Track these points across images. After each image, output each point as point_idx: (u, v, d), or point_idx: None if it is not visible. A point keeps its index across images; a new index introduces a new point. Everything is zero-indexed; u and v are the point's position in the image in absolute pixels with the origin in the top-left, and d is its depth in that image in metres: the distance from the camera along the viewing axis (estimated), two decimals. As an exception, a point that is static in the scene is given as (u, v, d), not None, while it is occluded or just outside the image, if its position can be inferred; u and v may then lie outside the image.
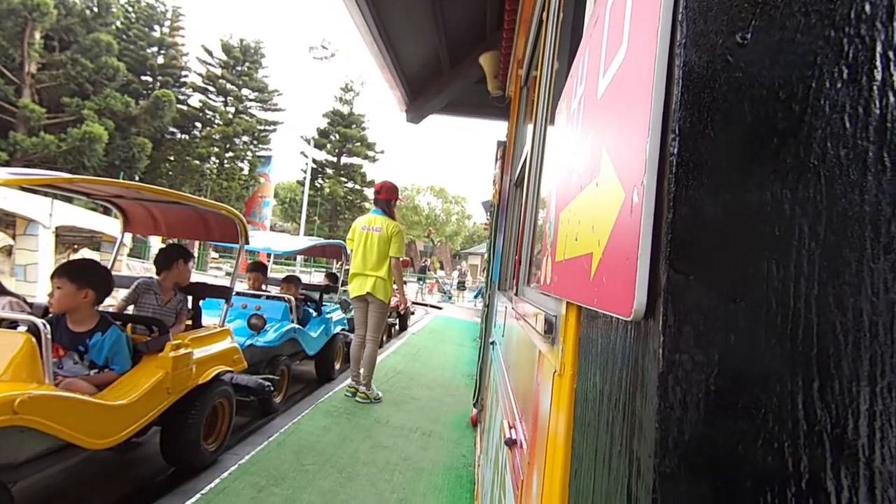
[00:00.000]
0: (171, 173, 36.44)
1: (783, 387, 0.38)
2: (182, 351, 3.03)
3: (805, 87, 0.40)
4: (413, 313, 13.03)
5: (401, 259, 4.78)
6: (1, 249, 15.62)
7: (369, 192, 45.39)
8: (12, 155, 26.93)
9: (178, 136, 37.36)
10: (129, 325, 3.23)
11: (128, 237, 16.52)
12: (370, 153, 45.42)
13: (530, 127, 2.06)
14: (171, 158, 36.64)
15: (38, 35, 27.89)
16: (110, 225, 15.57)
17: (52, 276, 2.68)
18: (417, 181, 60.94)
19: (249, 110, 39.98)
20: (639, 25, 0.52)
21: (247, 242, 3.80)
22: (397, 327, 10.13)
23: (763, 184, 0.40)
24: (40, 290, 12.13)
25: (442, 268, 30.87)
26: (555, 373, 0.81)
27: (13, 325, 2.47)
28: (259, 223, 34.34)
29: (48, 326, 2.28)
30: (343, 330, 6.22)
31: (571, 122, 0.86)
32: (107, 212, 17.33)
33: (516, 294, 1.68)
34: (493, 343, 2.69)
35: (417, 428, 4.22)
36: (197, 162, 36.59)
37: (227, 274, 24.09)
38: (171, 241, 5.01)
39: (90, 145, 27.99)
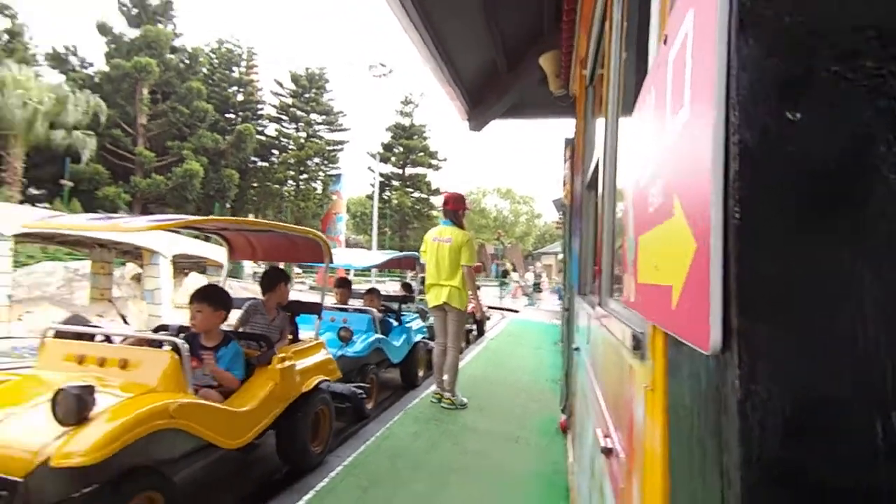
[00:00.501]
0: (255, 199, 38.82)
1: (858, 414, 0.43)
2: (287, 363, 3.29)
3: (858, 152, 0.45)
4: (489, 318, 13.03)
5: (473, 266, 4.87)
6: (133, 277, 17.44)
7: (435, 200, 45.92)
8: (133, 195, 29.97)
9: (259, 164, 39.75)
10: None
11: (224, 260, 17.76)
12: (433, 162, 46.00)
13: (600, 128, 1.98)
14: (255, 185, 39.00)
15: (145, 91, 30.98)
16: (212, 251, 16.90)
17: (192, 301, 3.05)
18: (483, 184, 60.09)
19: (318, 133, 41.86)
20: (698, 94, 0.57)
21: (331, 261, 4.06)
22: (475, 333, 10.15)
23: (824, 241, 0.45)
24: (164, 310, 13.49)
25: (514, 270, 30.33)
26: (646, 388, 0.85)
27: (158, 344, 2.83)
28: (335, 238, 35.77)
29: (187, 345, 2.61)
30: (423, 338, 6.41)
31: (645, 144, 0.85)
32: (207, 238, 18.78)
33: (600, 304, 1.70)
34: (577, 349, 2.70)
35: (505, 434, 4.23)
36: (276, 186, 38.79)
37: (311, 288, 25.27)
38: (270, 265, 5.41)
39: (190, 181, 30.58)
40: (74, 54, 33.11)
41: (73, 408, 2.05)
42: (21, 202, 20.38)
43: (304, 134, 40.75)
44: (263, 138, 39.12)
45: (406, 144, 44.83)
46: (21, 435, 2.07)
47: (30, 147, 24.91)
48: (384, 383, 5.77)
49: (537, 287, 23.52)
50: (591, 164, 2.48)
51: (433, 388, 5.20)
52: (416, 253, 6.31)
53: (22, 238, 12.65)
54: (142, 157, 30.61)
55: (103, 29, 31.34)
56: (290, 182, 39.88)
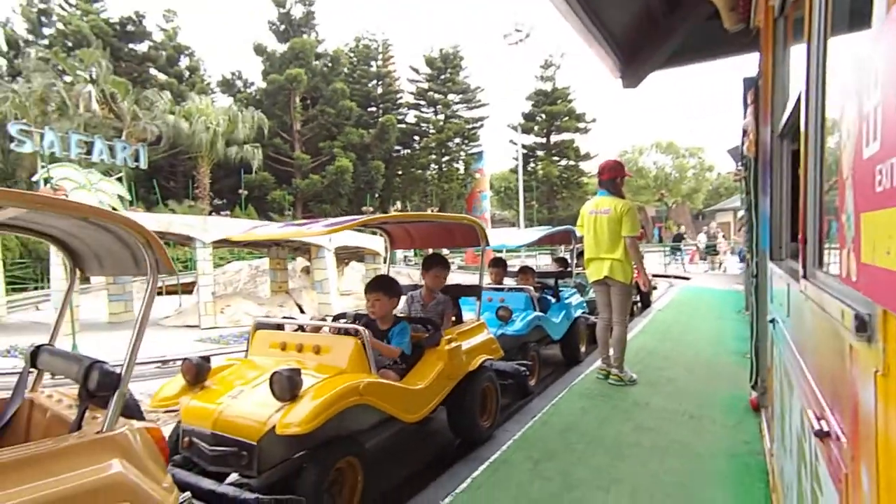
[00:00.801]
0: (401, 186, 41.28)
1: None
2: (454, 344, 3.55)
3: None
4: (655, 288, 12.31)
5: (635, 236, 4.66)
6: (302, 270, 20.01)
7: (585, 166, 44.13)
8: (295, 196, 34.11)
9: (402, 152, 42.01)
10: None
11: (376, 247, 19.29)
12: (580, 125, 44.10)
13: (800, 66, 1.68)
14: (400, 173, 41.37)
15: (297, 99, 34.84)
16: (368, 241, 18.51)
17: (369, 291, 3.47)
18: (638, 142, 55.29)
19: (457, 113, 42.61)
20: None
21: (487, 244, 4.20)
22: (640, 304, 9.73)
23: None
24: (332, 298, 15.28)
25: (684, 233, 27.78)
26: (877, 372, 0.79)
27: (339, 331, 3.27)
28: (481, 216, 36.55)
29: (368, 330, 2.98)
30: (584, 313, 6.32)
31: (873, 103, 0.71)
32: (359, 229, 20.58)
33: (805, 276, 1.53)
34: (772, 321, 2.46)
35: (683, 411, 4.05)
36: (420, 171, 40.68)
37: (459, 268, 26.34)
38: (430, 252, 5.77)
39: (342, 176, 33.69)
40: (239, 78, 38.43)
41: (287, 387, 2.48)
42: (209, 212, 24.33)
43: (442, 116, 41.96)
44: (404, 126, 41.20)
45: (549, 111, 43.62)
46: (252, 408, 2.56)
47: (212, 164, 29.59)
48: (545, 360, 5.83)
49: (712, 249, 21.11)
50: (786, 108, 2.18)
51: (598, 363, 5.13)
52: (570, 227, 6.23)
53: (217, 244, 15.28)
54: (299, 161, 34.56)
55: (259, 49, 35.76)
56: (433, 166, 41.53)
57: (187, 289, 18.02)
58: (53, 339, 2.43)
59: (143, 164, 19.52)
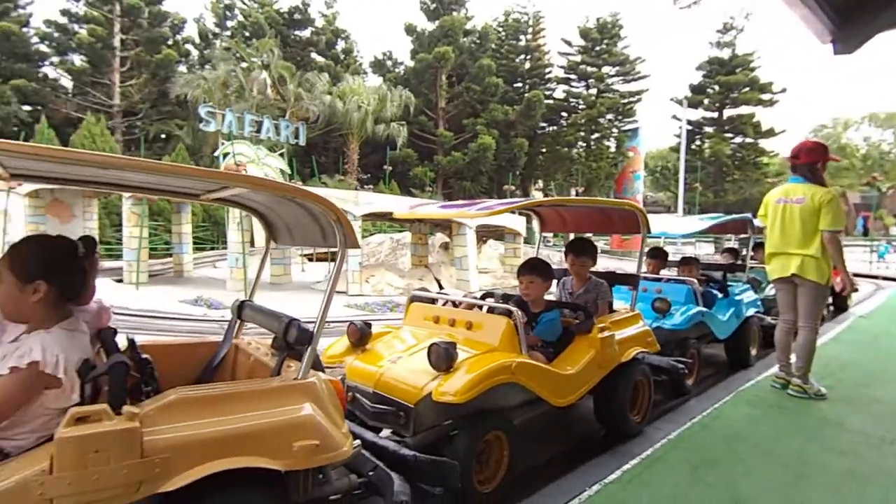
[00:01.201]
0: (544, 164, 40.73)
1: None
2: (606, 333, 3.52)
3: None
4: (856, 290, 10.79)
5: (837, 231, 4.14)
6: (441, 246, 20.96)
7: (767, 145, 39.50)
8: (436, 172, 35.57)
9: (548, 129, 41.32)
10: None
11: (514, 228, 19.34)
12: (764, 97, 39.38)
13: None
14: (544, 151, 40.79)
15: (444, 77, 36.08)
16: (510, 220, 18.72)
17: (522, 273, 3.60)
18: (842, 114, 47.36)
19: (612, 87, 40.64)
20: None
21: (648, 232, 4.05)
22: (832, 308, 8.65)
23: None
24: (471, 275, 15.84)
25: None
26: None
27: (492, 310, 3.44)
28: (632, 198, 34.70)
29: (520, 312, 3.12)
30: (757, 312, 5.81)
31: None
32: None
33: None
34: None
35: (893, 439, 3.57)
36: (566, 150, 39.66)
37: (603, 252, 25.49)
38: (577, 236, 5.74)
39: (483, 154, 34.26)
40: (389, 58, 40.77)
41: (444, 358, 2.71)
42: (356, 187, 26.36)
43: (594, 91, 40.36)
44: (551, 102, 40.47)
45: (724, 81, 39.58)
46: (410, 374, 2.84)
47: (361, 141, 31.91)
48: (707, 359, 5.48)
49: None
50: None
51: (773, 370, 4.72)
52: (747, 215, 5.74)
53: (366, 217, 16.60)
54: (442, 138, 35.80)
55: (409, 29, 37.53)
56: (580, 144, 40.23)
57: (335, 257, 19.91)
58: (252, 295, 2.92)
59: (302, 141, 21.82)
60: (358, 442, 2.27)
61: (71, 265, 1.89)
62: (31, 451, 1.66)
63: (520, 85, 41.16)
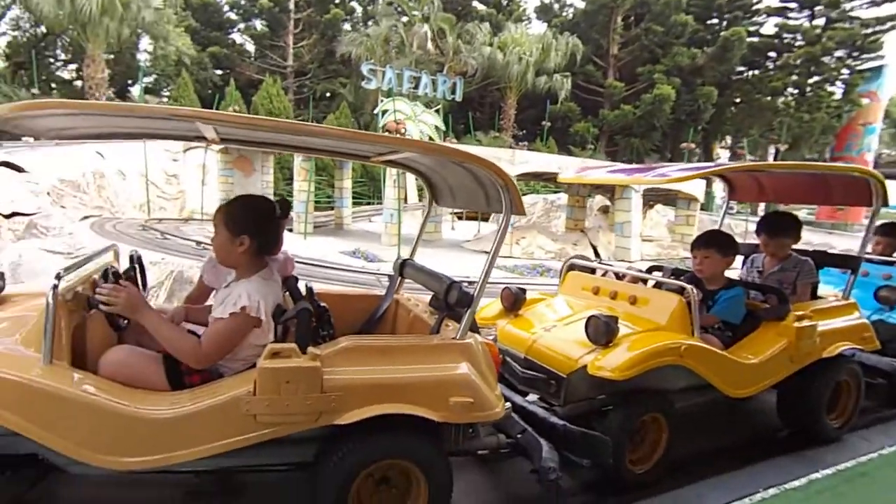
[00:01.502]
0: (736, 117, 36.43)
1: None
2: (806, 322, 3.19)
3: None
4: None
5: None
6: (600, 209, 20.26)
7: None
8: (600, 129, 34.05)
9: (746, 74, 36.64)
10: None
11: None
12: None
13: None
14: (737, 101, 36.43)
15: (619, 19, 33.90)
16: (684, 183, 17.45)
17: (696, 247, 3.42)
18: None
19: (848, 15, 33.66)
20: None
21: (885, 204, 3.53)
22: None
23: None
24: (633, 243, 15.20)
25: None
26: None
27: (658, 285, 3.35)
28: (858, 157, 29.42)
29: (696, 290, 2.99)
30: None
31: None
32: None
33: None
34: None
35: None
36: (768, 98, 34.82)
37: (805, 223, 22.39)
38: (773, 209, 5.18)
39: (660, 106, 31.77)
40: (557, 1, 39.17)
41: (603, 331, 2.74)
42: (510, 144, 26.25)
43: (821, 21, 34.06)
44: (755, 40, 35.55)
45: None
46: (564, 344, 2.93)
47: (519, 95, 31.56)
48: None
49: None
50: None
51: None
52: None
53: (521, 177, 16.63)
54: (611, 89, 33.89)
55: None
56: (790, 91, 34.75)
57: (486, 217, 20.37)
58: (413, 254, 3.20)
59: (459, 97, 22.30)
60: (509, 405, 2.43)
61: (270, 224, 2.28)
62: (239, 374, 2.09)
63: (714, 22, 36.82)
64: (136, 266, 2.62)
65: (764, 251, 3.77)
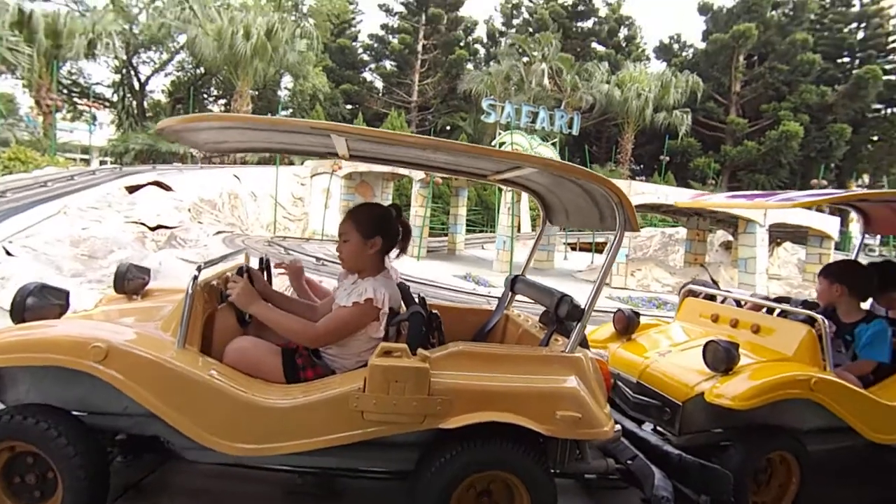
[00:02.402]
0: (873, 155, 33.11)
1: None
2: None
3: None
4: None
5: None
6: (722, 244, 18.85)
7: None
8: (722, 164, 32.02)
9: (885, 111, 33.38)
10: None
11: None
12: None
13: None
14: (874, 139, 33.16)
15: (741, 58, 32.15)
16: (818, 220, 15.84)
17: (822, 275, 3.03)
18: None
19: None
20: None
21: None
22: None
23: None
24: (758, 279, 13.94)
25: None
26: None
27: (785, 315, 2.98)
28: None
29: (827, 321, 2.63)
30: None
31: None
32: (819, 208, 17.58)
33: None
34: None
35: None
36: (911, 136, 31.37)
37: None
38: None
39: (786, 143, 29.42)
40: (677, 42, 38.00)
41: (723, 358, 2.47)
42: (627, 177, 25.37)
43: None
44: (893, 78, 32.36)
45: None
46: (680, 370, 2.67)
47: (636, 130, 30.55)
48: None
49: None
50: None
51: None
52: None
53: (637, 208, 15.92)
54: (733, 126, 31.88)
55: (704, 8, 34.38)
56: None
57: (599, 248, 19.68)
58: (525, 270, 3.12)
59: (576, 131, 21.99)
60: (619, 427, 2.25)
61: (393, 225, 2.34)
62: (351, 371, 2.11)
63: (846, 60, 34.01)
64: (265, 267, 2.75)
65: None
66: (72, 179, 16.11)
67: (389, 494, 2.51)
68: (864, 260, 3.46)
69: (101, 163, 28.71)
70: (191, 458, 2.10)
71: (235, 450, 1.93)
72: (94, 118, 30.02)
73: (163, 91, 35.16)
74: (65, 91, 30.49)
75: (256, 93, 31.11)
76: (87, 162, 29.64)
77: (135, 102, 32.54)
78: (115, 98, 32.21)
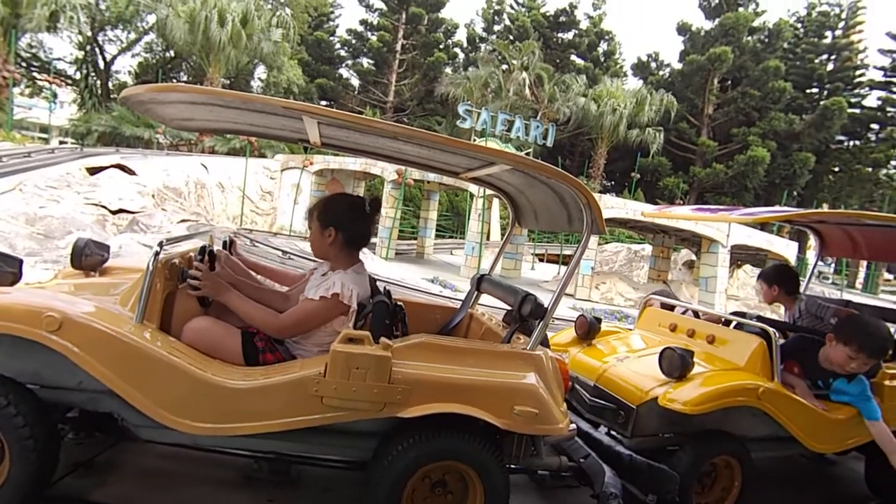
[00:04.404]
0: (833, 185, 34.55)
1: None
2: None
3: None
4: None
5: None
6: (685, 263, 19.40)
7: None
8: (690, 185, 32.92)
9: (847, 144, 34.95)
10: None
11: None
12: None
13: None
14: (836, 169, 34.67)
15: (716, 81, 33.19)
16: (778, 243, 16.46)
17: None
18: None
19: None
20: None
21: None
22: None
23: None
24: (717, 299, 14.43)
25: None
26: None
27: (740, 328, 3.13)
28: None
29: (777, 334, 2.78)
30: None
31: None
32: (771, 229, 18.23)
33: None
34: None
35: None
36: (869, 169, 33.04)
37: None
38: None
39: (753, 168, 30.50)
40: (655, 60, 38.98)
41: (678, 365, 2.58)
42: (599, 192, 25.83)
43: None
44: (857, 112, 33.96)
45: None
46: (636, 375, 2.78)
47: (609, 146, 31.19)
48: None
49: None
50: None
51: None
52: None
53: (606, 222, 16.27)
54: (703, 147, 32.87)
55: (683, 28, 35.37)
56: (894, 164, 32.83)
57: (566, 260, 20.06)
58: (492, 271, 3.19)
59: (550, 143, 22.37)
60: (574, 426, 2.32)
61: (358, 218, 2.34)
62: (312, 358, 2.13)
63: (815, 91, 35.46)
64: (229, 249, 2.69)
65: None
66: (28, 157, 15.56)
67: (344, 483, 2.54)
68: (818, 287, 3.68)
69: (61, 143, 27.78)
70: (145, 438, 2.08)
71: (192, 428, 1.92)
72: (55, 96, 29.02)
73: (129, 72, 34.25)
74: (23, 64, 29.39)
75: (228, 82, 30.58)
76: (46, 141, 28.65)
77: (99, 82, 31.61)
78: (78, 76, 31.21)
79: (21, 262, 2.31)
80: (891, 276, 33.86)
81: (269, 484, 2.46)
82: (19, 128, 29.02)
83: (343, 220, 2.29)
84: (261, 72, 34.09)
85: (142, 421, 1.96)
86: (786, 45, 34.92)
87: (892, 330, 3.37)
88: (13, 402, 1.86)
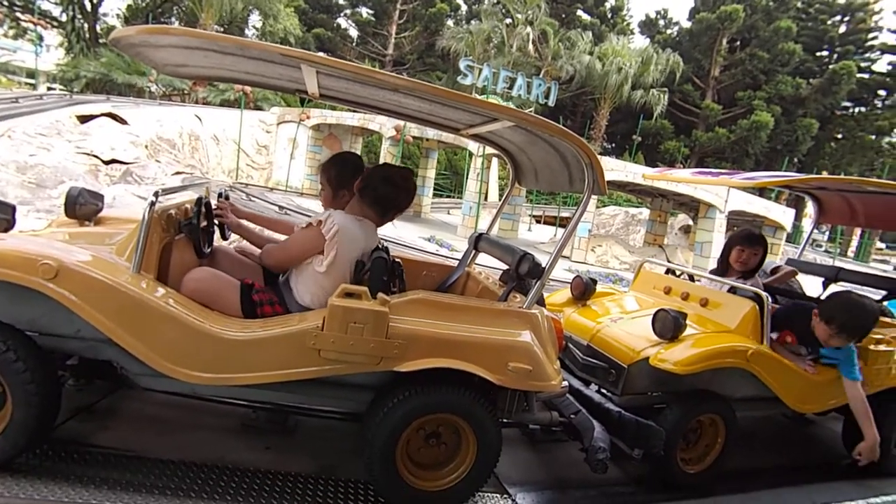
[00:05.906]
0: (835, 152, 34.32)
1: None
2: (880, 347, 3.08)
3: None
4: None
5: None
6: (681, 228, 19.45)
7: None
8: (692, 149, 32.67)
9: (852, 110, 34.51)
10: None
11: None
12: None
13: None
14: (838, 136, 34.35)
15: (724, 41, 32.42)
16: (774, 210, 16.50)
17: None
18: None
19: None
20: None
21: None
22: None
23: None
24: (712, 264, 14.54)
25: None
26: None
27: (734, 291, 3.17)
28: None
29: (770, 298, 2.84)
30: None
31: None
32: (769, 196, 18.23)
33: None
34: None
35: None
36: (872, 137, 32.72)
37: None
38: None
39: (756, 133, 30.21)
40: (663, 17, 37.96)
41: (670, 326, 2.63)
42: (599, 154, 25.60)
43: None
44: (866, 77, 33.38)
45: None
46: (628, 336, 2.83)
47: (612, 107, 30.70)
48: None
49: None
50: None
51: None
52: None
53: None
54: (707, 111, 32.46)
55: (695, -16, 34.26)
56: (898, 132, 32.57)
57: (564, 222, 20.09)
58: (490, 229, 3.20)
59: (552, 102, 22.00)
60: (566, 383, 2.38)
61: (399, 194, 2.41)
62: (311, 311, 2.16)
63: (824, 54, 34.74)
64: (226, 200, 2.68)
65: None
66: (16, 102, 15.18)
67: (339, 433, 2.61)
68: (809, 254, 3.73)
69: (49, 89, 27.10)
70: (144, 386, 2.12)
71: (191, 377, 1.96)
72: (41, 38, 28.15)
73: (118, 15, 33.10)
74: (5, 3, 28.41)
75: (222, 29, 29.70)
76: (34, 87, 27.94)
77: (86, 25, 30.58)
78: (65, 18, 30.20)
79: (14, 208, 2.30)
80: (882, 245, 34.05)
81: (266, 432, 2.53)
82: (4, 71, 28.28)
83: (353, 181, 2.39)
84: (255, 20, 33.12)
85: (140, 369, 1.99)
86: (799, 5, 34.03)
87: (876, 298, 3.46)
88: (12, 347, 1.89)
